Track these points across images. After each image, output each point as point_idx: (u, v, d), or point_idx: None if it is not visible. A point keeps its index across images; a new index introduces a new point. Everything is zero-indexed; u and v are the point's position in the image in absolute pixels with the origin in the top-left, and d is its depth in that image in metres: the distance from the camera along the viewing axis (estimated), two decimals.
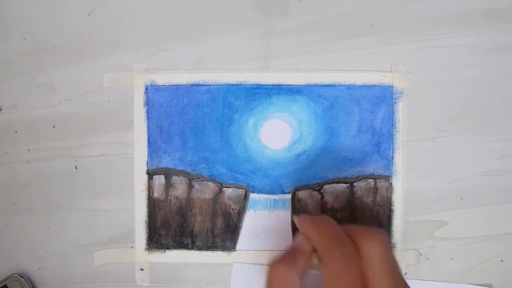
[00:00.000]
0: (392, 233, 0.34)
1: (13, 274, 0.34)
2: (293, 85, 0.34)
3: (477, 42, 0.34)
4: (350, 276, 0.23)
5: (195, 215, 0.34)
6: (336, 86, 0.34)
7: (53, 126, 0.35)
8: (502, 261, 0.34)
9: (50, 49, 0.34)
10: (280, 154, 0.34)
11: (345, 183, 0.34)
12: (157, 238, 0.35)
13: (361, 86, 0.34)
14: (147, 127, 0.34)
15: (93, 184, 0.35)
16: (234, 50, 0.34)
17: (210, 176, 0.34)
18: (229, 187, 0.34)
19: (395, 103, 0.34)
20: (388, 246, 0.24)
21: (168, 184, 0.34)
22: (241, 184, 0.34)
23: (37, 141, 0.35)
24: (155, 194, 0.34)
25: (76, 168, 0.35)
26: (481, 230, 0.34)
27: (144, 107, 0.34)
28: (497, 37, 0.34)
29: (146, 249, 0.35)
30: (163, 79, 0.34)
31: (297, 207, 0.34)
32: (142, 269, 0.35)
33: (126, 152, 0.34)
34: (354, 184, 0.34)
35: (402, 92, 0.34)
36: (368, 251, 0.24)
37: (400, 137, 0.34)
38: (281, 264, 0.25)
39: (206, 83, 0.34)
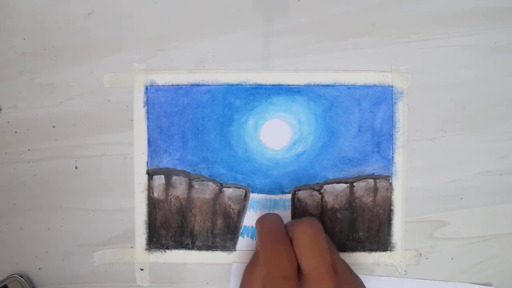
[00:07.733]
0: (392, 233, 0.34)
1: (13, 274, 0.34)
2: (293, 85, 0.34)
3: (477, 42, 0.34)
4: (278, 256, 0.27)
5: (195, 215, 0.34)
6: (336, 86, 0.34)
7: (53, 126, 0.35)
8: (502, 261, 0.34)
9: (50, 49, 0.34)
10: (280, 154, 0.34)
11: (345, 183, 0.34)
12: (157, 238, 0.35)
13: (361, 86, 0.34)
14: (147, 127, 0.34)
15: (93, 184, 0.35)
16: (234, 50, 0.34)
17: (210, 176, 0.34)
18: (229, 187, 0.34)
19: (395, 103, 0.34)
20: (314, 229, 0.28)
21: (168, 184, 0.34)
22: (241, 184, 0.34)
23: (37, 141, 0.35)
24: (155, 194, 0.34)
25: (76, 168, 0.35)
26: (481, 230, 0.34)
27: (144, 107, 0.34)
28: (497, 37, 0.34)
29: (146, 249, 0.35)
30: (163, 79, 0.34)
31: (297, 207, 0.34)
32: (142, 269, 0.35)
33: (126, 152, 0.34)
34: (354, 184, 0.34)
35: (402, 92, 0.34)
36: (296, 235, 0.27)
37: (400, 137, 0.34)
38: (247, 265, 0.30)
39: (206, 83, 0.34)
